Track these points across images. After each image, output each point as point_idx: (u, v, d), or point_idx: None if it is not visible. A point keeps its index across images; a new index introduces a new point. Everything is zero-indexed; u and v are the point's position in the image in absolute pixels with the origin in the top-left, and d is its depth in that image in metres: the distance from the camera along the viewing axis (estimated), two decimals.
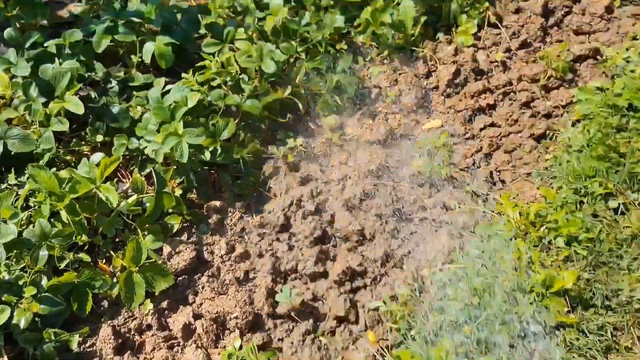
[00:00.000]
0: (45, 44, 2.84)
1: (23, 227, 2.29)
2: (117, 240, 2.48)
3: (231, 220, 2.66)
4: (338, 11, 3.30)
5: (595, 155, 2.65)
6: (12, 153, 2.51)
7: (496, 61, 3.33)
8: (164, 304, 2.34)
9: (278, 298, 2.33)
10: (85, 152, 2.70)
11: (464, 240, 2.55)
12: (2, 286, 2.08)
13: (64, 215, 2.24)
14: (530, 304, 2.14)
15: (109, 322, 2.26)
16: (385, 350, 2.22)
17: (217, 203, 2.65)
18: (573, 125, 2.97)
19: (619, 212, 2.50)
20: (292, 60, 3.11)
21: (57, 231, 2.19)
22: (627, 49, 3.27)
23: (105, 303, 2.32)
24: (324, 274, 2.48)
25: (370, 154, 2.80)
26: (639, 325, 2.17)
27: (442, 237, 2.57)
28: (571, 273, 2.16)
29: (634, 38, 3.37)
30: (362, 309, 2.37)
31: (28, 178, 2.45)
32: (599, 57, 3.30)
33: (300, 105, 2.92)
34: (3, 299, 2.06)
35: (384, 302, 2.30)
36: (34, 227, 2.21)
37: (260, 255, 2.53)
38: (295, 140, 2.87)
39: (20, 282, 2.09)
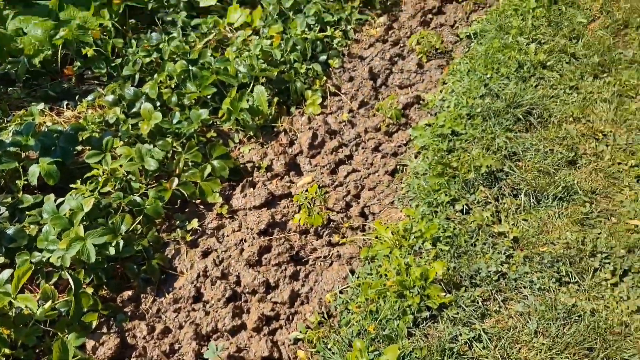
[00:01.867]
0: None
1: None
2: (38, 350, 2.56)
3: (146, 305, 2.85)
4: (199, 107, 3.76)
5: (436, 174, 3.27)
6: None
7: (344, 121, 3.95)
8: None
9: (206, 355, 2.54)
10: None
11: (352, 266, 2.97)
12: None
13: None
14: (416, 295, 2.58)
15: None
16: None
17: (129, 292, 2.84)
18: (415, 156, 3.61)
19: (464, 212, 3.09)
20: (169, 154, 3.47)
21: None
22: (440, 91, 4.09)
23: None
24: (243, 326, 2.75)
25: (258, 217, 3.18)
26: (499, 292, 2.70)
27: (334, 268, 2.97)
28: (439, 264, 2.66)
29: (444, 82, 4.21)
30: (282, 346, 2.66)
31: None
32: (421, 102, 4.07)
33: (186, 193, 3.26)
34: None
35: (300, 332, 2.62)
36: None
37: (181, 327, 2.74)
38: (190, 222, 3.18)
39: None
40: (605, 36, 4.43)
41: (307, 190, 3.24)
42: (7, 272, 2.61)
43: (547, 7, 4.74)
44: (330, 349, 2.50)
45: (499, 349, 2.45)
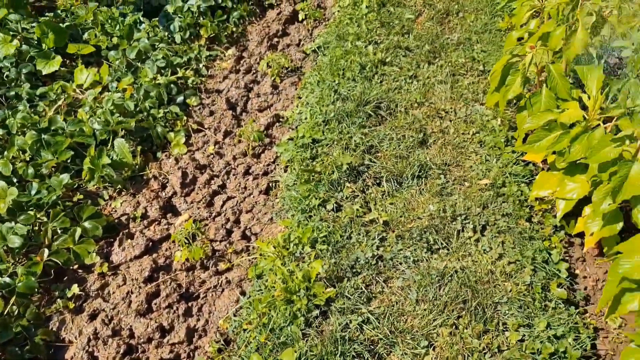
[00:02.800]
0: None
1: None
2: None
3: None
4: (60, 173, 3.66)
5: (303, 182, 3.42)
6: None
7: (211, 154, 4.02)
8: None
9: None
10: None
11: (243, 288, 3.03)
12: None
13: None
14: (303, 297, 2.68)
15: None
16: None
17: None
18: (284, 171, 3.75)
19: (335, 210, 3.26)
20: (35, 227, 3.35)
21: None
22: (297, 106, 4.28)
23: None
24: None
25: (140, 265, 3.15)
26: (379, 274, 2.87)
27: (226, 295, 3.01)
28: (317, 262, 2.79)
29: (299, 97, 4.42)
30: None
31: None
32: (281, 119, 4.24)
33: (60, 261, 3.16)
34: None
35: None
36: None
37: None
38: (69, 290, 3.08)
39: None
40: (432, 26, 4.88)
41: (184, 228, 3.26)
42: None
43: (377, 10, 5.14)
44: None
45: (387, 325, 2.60)
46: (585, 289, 2.83)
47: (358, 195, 3.32)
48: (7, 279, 2.95)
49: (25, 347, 2.81)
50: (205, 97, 4.61)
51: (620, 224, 2.68)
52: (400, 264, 2.91)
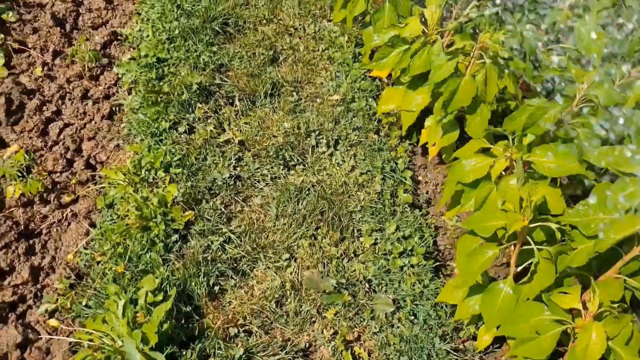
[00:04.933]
0: None
1: None
2: None
3: None
4: None
5: (151, 104, 3.21)
6: None
7: (40, 77, 3.57)
8: None
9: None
10: None
11: (92, 220, 2.82)
12: None
13: None
14: (160, 223, 2.58)
15: None
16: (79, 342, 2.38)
17: None
18: (128, 93, 3.48)
19: (188, 132, 3.13)
20: None
21: None
22: (136, 22, 3.93)
23: None
24: None
25: None
26: (238, 194, 2.85)
27: (73, 228, 2.79)
28: (172, 186, 2.69)
29: (138, 13, 4.04)
30: (37, 324, 2.45)
31: None
32: (119, 37, 3.87)
33: None
34: None
35: (49, 302, 2.44)
36: None
37: None
38: None
39: None
40: None
41: (14, 160, 2.91)
42: None
43: None
44: (87, 306, 2.39)
45: (249, 243, 2.63)
46: (427, 192, 3.10)
47: (211, 116, 3.21)
48: None
49: None
50: (25, 12, 4.03)
51: (457, 133, 2.93)
52: (258, 182, 2.91)
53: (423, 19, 3.02)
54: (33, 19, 3.98)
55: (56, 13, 3.97)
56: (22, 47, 3.73)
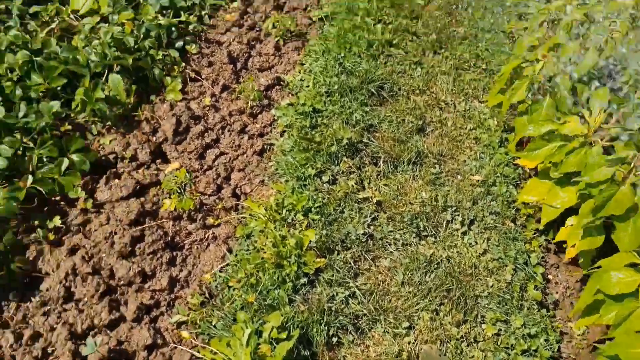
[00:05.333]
0: None
1: None
2: None
3: (9, 312, 2.65)
4: (49, 100, 3.52)
5: (301, 149, 3.42)
6: None
7: (207, 106, 3.94)
8: None
9: (85, 352, 2.45)
10: None
11: (230, 245, 3.02)
12: None
13: None
14: (294, 264, 2.70)
15: None
16: (198, 350, 2.53)
17: None
18: (281, 135, 3.73)
19: (331, 183, 3.28)
20: (20, 152, 3.22)
21: None
22: (299, 72, 4.24)
23: None
24: (122, 318, 2.68)
25: (127, 207, 3.09)
26: (368, 252, 2.92)
27: (211, 250, 3.00)
28: (311, 231, 2.81)
29: (301, 64, 4.37)
30: (166, 332, 2.64)
31: None
32: (282, 83, 4.19)
33: (44, 190, 3.06)
34: None
35: (181, 314, 2.62)
36: None
37: (53, 329, 2.59)
38: (51, 221, 3.00)
39: None
40: (441, 16, 4.89)
41: (176, 176, 3.21)
42: None
43: None
44: (214, 326, 2.54)
45: (372, 302, 2.66)
46: (557, 293, 2.97)
47: (354, 172, 3.34)
48: (3, 207, 2.83)
49: (0, 272, 2.73)
50: (205, 47, 4.50)
51: (602, 239, 2.81)
52: (390, 244, 2.96)
53: (582, 119, 2.99)
54: (210, 54, 4.44)
55: (231, 52, 4.39)
56: (197, 77, 4.16)
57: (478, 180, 3.38)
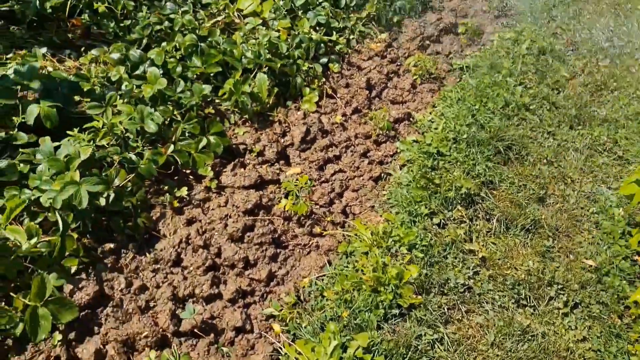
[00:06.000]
0: None
1: None
2: (14, 285, 2.56)
3: (126, 260, 2.89)
4: (202, 82, 3.83)
5: (419, 187, 3.46)
6: None
7: (336, 123, 4.11)
8: (71, 336, 2.47)
9: (183, 315, 2.62)
10: None
11: (330, 258, 3.11)
12: None
13: None
14: (390, 293, 2.74)
15: (15, 359, 2.33)
16: (281, 348, 2.62)
17: (111, 245, 2.88)
18: (400, 168, 3.80)
19: (440, 226, 3.29)
20: (167, 122, 3.52)
21: None
22: (430, 113, 4.31)
23: (10, 341, 2.39)
24: (219, 296, 2.83)
25: (246, 196, 3.28)
26: (463, 303, 2.89)
27: (312, 257, 3.10)
28: (415, 267, 2.84)
29: (433, 106, 4.44)
30: (255, 320, 2.76)
31: None
32: (411, 119, 4.28)
33: (180, 161, 3.33)
34: None
35: (274, 309, 2.73)
36: None
37: (158, 286, 2.80)
38: (178, 190, 3.24)
39: None
40: (584, 93, 4.78)
41: (297, 180, 3.36)
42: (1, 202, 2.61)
43: (536, 55, 5.07)
44: (304, 327, 2.62)
45: (457, 353, 2.63)
46: None
47: (465, 222, 3.34)
48: (134, 157, 3.13)
49: (127, 222, 2.99)
50: (346, 69, 4.69)
51: None
52: (486, 303, 2.92)
53: None
54: (349, 76, 4.62)
55: (370, 79, 4.55)
56: (333, 94, 4.34)
57: (591, 266, 3.25)
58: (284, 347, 2.52)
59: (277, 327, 2.63)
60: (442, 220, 3.31)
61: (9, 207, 2.47)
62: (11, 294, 2.49)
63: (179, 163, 3.33)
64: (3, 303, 2.49)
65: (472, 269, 3.06)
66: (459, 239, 3.21)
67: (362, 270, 2.90)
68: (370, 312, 2.69)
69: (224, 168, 3.52)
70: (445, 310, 2.83)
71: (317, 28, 4.79)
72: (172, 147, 3.31)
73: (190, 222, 3.15)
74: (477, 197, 3.50)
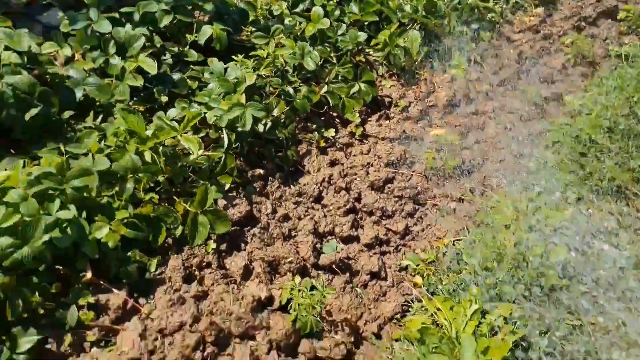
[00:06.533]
0: (119, 10, 3.06)
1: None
2: (174, 190, 2.72)
3: (272, 188, 2.99)
4: (357, 29, 3.82)
5: (568, 170, 3.31)
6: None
7: (482, 92, 3.98)
8: (222, 247, 2.61)
9: (325, 250, 2.69)
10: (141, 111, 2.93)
11: (467, 224, 3.07)
12: (96, 208, 2.28)
13: (147, 155, 2.48)
14: (532, 270, 2.67)
15: (175, 256, 2.49)
16: (413, 300, 2.64)
17: (261, 171, 2.98)
18: (546, 148, 3.64)
19: (587, 215, 3.15)
20: (320, 62, 3.55)
21: (145, 167, 2.43)
22: (582, 97, 4.07)
23: (170, 240, 2.55)
24: (356, 239, 2.88)
25: (391, 148, 3.27)
26: (607, 297, 2.77)
27: (448, 220, 3.07)
28: (561, 248, 2.73)
29: (585, 90, 4.19)
30: (389, 269, 2.79)
31: (103, 122, 2.66)
32: (560, 100, 4.06)
33: (331, 102, 3.36)
34: (96, 219, 2.26)
35: (411, 261, 2.74)
36: (119, 161, 2.42)
37: (300, 218, 2.88)
38: (326, 130, 3.29)
39: (114, 206, 2.30)
40: None
41: (444, 140, 3.32)
42: (175, 111, 2.76)
43: None
44: (443, 285, 2.62)
45: (599, 345, 2.54)
46: None
47: (614, 215, 3.17)
48: (291, 90, 3.19)
49: (278, 153, 3.07)
50: (496, 39, 4.50)
51: None
52: (632, 300, 2.78)
53: None
54: (498, 46, 4.43)
55: (521, 53, 4.34)
56: (480, 63, 4.19)
57: None
58: (422, 299, 2.54)
59: (419, 279, 2.65)
60: (590, 209, 3.15)
61: (187, 117, 2.60)
62: (174, 197, 2.65)
63: (330, 105, 3.36)
64: (166, 204, 2.66)
65: (618, 265, 2.91)
66: (606, 230, 3.05)
67: (501, 242, 2.84)
68: (511, 285, 2.63)
69: (369, 117, 3.52)
70: (589, 298, 2.72)
71: None
72: (325, 87, 3.35)
73: (333, 163, 3.20)
74: (628, 192, 3.30)
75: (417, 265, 2.74)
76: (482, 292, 2.58)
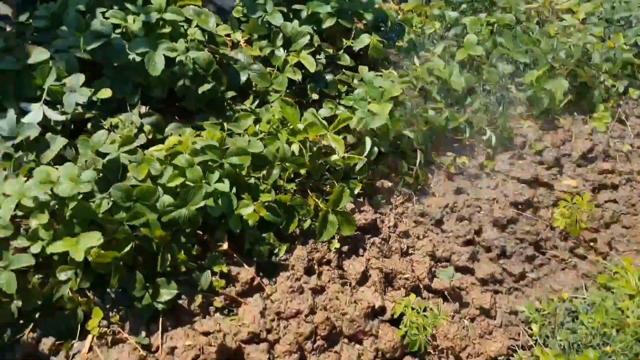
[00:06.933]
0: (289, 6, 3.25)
1: None
2: (309, 184, 2.84)
3: (395, 202, 3.04)
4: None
5: None
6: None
7: (621, 151, 3.81)
8: (344, 249, 2.69)
9: (441, 274, 2.71)
10: None
11: (586, 283, 2.96)
12: (244, 187, 2.44)
13: (296, 147, 2.61)
14: None
15: (300, 247, 2.60)
16: (517, 348, 2.59)
17: (389, 183, 3.04)
18: None
19: None
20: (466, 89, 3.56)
21: (293, 158, 2.56)
22: None
23: (298, 230, 2.67)
24: (471, 271, 2.87)
25: (521, 189, 3.22)
26: None
27: (568, 274, 2.98)
28: None
29: None
30: (499, 309, 2.76)
31: (258, 107, 2.84)
32: None
33: (468, 131, 3.36)
34: (243, 197, 2.41)
35: (526, 309, 2.70)
36: (269, 147, 2.57)
37: (419, 238, 2.91)
38: (459, 157, 3.30)
39: (261, 188, 2.46)
40: None
41: (579, 195, 3.22)
42: (324, 110, 2.88)
43: None
44: (556, 339, 2.56)
45: None
46: None
47: None
48: (432, 112, 3.22)
49: (410, 170, 3.11)
50: None
51: None
52: None
53: None
54: None
55: None
56: (624, 120, 4.02)
57: None
58: (534, 346, 2.49)
59: (535, 327, 2.60)
60: None
61: (340, 118, 2.71)
62: (308, 191, 2.77)
63: (467, 133, 3.36)
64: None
65: None
66: None
67: (623, 312, 2.72)
68: (628, 358, 2.52)
69: (502, 153, 3.48)
70: None
71: (628, 46, 4.42)
72: (466, 115, 3.35)
73: (459, 191, 3.19)
74: None
75: (531, 313, 2.68)
76: (599, 357, 2.49)
